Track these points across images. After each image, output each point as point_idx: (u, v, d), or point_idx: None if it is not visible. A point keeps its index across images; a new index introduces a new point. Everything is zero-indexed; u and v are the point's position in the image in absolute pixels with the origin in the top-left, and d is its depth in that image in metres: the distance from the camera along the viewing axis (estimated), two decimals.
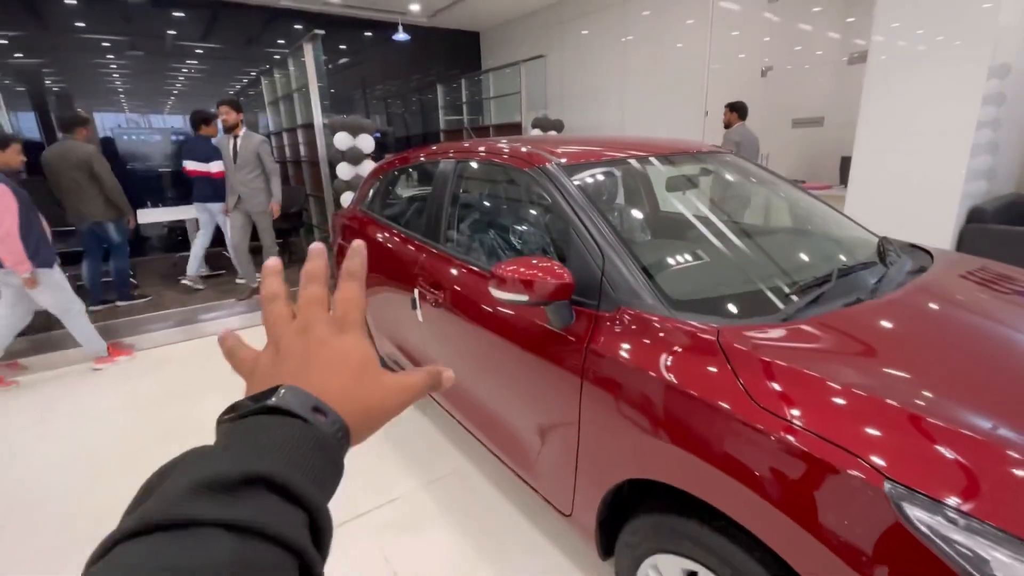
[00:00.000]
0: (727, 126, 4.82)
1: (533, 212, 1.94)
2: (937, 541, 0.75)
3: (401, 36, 7.15)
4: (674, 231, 1.79)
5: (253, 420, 0.31)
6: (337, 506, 1.50)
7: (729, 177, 2.04)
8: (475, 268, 1.84)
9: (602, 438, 1.28)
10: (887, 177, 4.24)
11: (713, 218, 1.67)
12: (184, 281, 4.93)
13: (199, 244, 4.90)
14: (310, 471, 0.30)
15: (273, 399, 0.32)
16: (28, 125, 6.37)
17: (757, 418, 0.95)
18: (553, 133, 6.24)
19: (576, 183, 1.58)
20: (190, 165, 4.69)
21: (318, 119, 5.03)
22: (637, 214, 2.00)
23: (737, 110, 4.77)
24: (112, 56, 6.94)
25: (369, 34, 8.48)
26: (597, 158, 1.75)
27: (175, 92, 7.90)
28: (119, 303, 4.48)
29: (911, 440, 0.86)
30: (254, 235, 4.43)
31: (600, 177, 1.72)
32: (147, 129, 7.61)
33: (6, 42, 6.05)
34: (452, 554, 1.80)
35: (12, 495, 2.22)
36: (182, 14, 7.01)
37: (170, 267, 5.82)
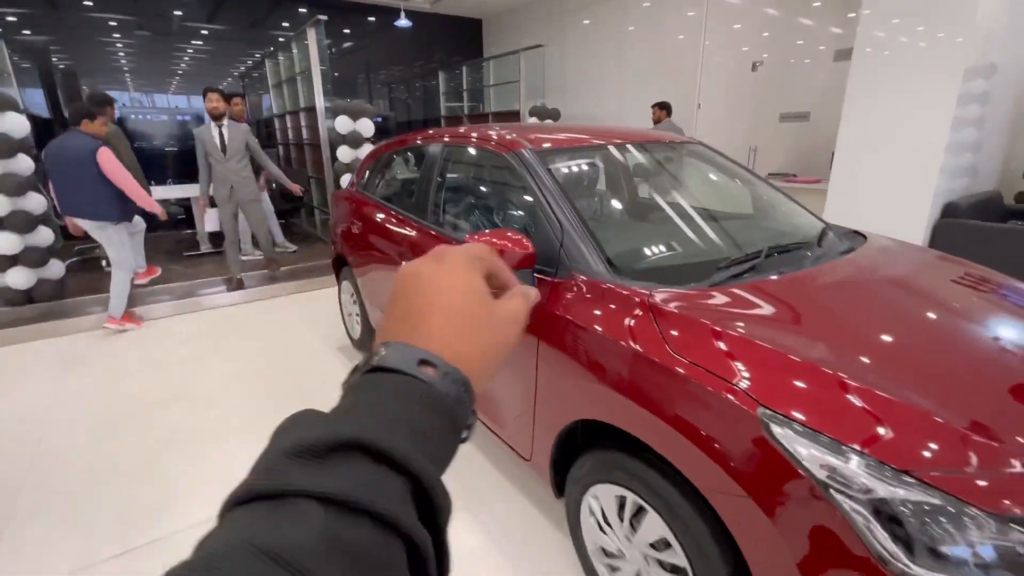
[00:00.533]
0: (656, 122, 5.38)
1: (509, 192, 2.12)
2: (792, 452, 0.95)
3: (403, 22, 7.25)
4: (635, 212, 1.97)
5: (362, 380, 0.30)
6: None
7: (691, 166, 2.22)
8: (456, 241, 2.03)
9: (554, 388, 1.48)
10: (867, 172, 4.39)
11: (667, 201, 1.85)
12: (278, 250, 5.45)
13: (270, 215, 5.37)
14: (417, 433, 0.27)
15: (375, 359, 0.30)
16: (37, 101, 6.52)
17: (669, 361, 1.14)
18: (549, 122, 6.38)
19: (545, 167, 1.76)
20: None
21: (320, 103, 5.18)
22: (600, 195, 2.18)
23: (664, 108, 5.48)
24: (119, 35, 7.06)
25: (372, 19, 8.58)
26: (566, 145, 1.93)
27: (180, 73, 8.03)
28: None
29: (783, 376, 1.05)
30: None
31: (567, 161, 1.90)
32: (152, 109, 7.75)
33: (15, 19, 6.18)
34: None
35: (34, 445, 2.44)
36: None
37: (174, 243, 6.01)
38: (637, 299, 1.32)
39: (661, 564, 1.28)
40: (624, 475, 1.30)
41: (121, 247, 3.63)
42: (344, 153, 5.03)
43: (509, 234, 1.55)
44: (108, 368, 3.24)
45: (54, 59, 6.70)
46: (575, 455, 1.53)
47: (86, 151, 3.33)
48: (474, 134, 2.18)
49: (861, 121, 4.37)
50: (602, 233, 1.59)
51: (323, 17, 4.93)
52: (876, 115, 4.27)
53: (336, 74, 8.52)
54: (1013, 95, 4.76)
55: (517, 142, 1.89)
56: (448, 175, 2.35)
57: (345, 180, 5.03)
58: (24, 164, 3.71)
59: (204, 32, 7.77)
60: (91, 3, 6.55)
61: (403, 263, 0.37)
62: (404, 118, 9.88)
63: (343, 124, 4.97)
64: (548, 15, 7.95)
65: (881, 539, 0.89)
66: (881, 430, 0.96)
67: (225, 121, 4.03)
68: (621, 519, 1.37)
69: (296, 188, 4.69)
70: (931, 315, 1.37)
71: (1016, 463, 0.95)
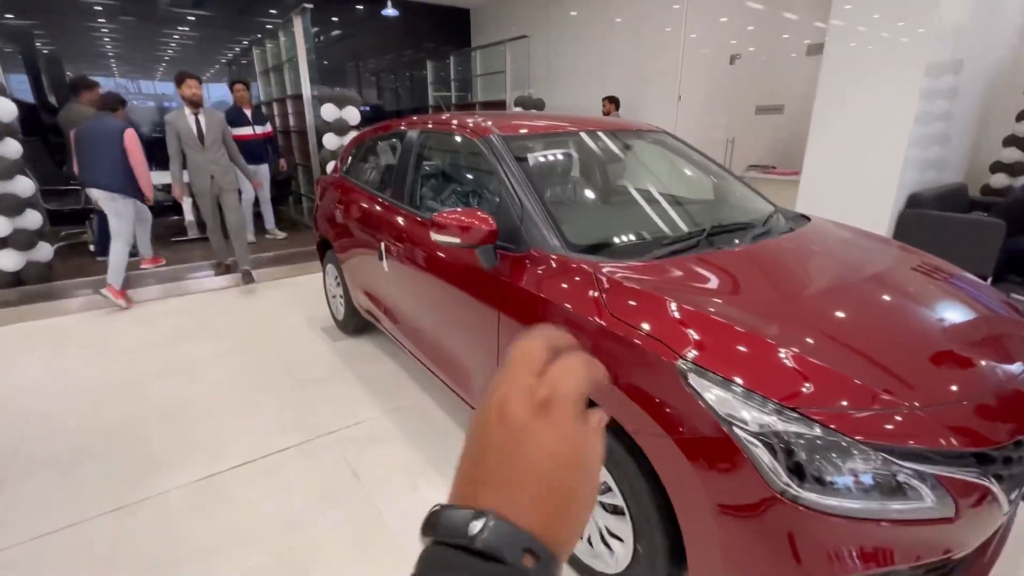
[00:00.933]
0: (605, 115, 5.74)
1: (480, 174, 2.25)
2: (703, 397, 1.09)
3: (389, 11, 7.29)
4: (594, 193, 2.11)
5: (453, 561, 0.26)
6: (310, 425, 1.98)
7: (654, 153, 2.35)
8: (428, 221, 2.15)
9: None
10: (837, 163, 4.55)
11: (626, 184, 1.99)
12: (268, 236, 5.64)
13: (263, 200, 5.56)
14: None
15: (478, 536, 0.25)
16: (21, 87, 6.49)
17: (608, 322, 1.28)
18: (534, 111, 6.48)
19: (510, 151, 1.89)
20: (244, 131, 5.06)
21: (306, 91, 5.24)
22: (562, 177, 2.31)
23: (613, 102, 5.99)
24: (104, 20, 7.03)
25: (361, 7, 8.59)
26: (531, 131, 2.06)
27: (167, 59, 8.02)
28: None
29: (700, 332, 1.20)
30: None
31: (531, 146, 2.03)
32: (139, 95, 7.74)
33: None
34: (404, 461, 2.16)
35: (26, 414, 2.54)
36: None
37: (163, 229, 6.06)
38: (585, 270, 1.46)
39: (603, 506, 1.42)
40: None
41: (127, 220, 3.91)
42: (330, 140, 5.11)
43: (473, 213, 1.68)
44: (98, 346, 3.34)
45: (38, 44, 6.67)
46: None
47: (116, 130, 3.79)
48: (447, 120, 2.30)
49: (831, 115, 4.52)
50: (560, 212, 1.72)
51: (309, 5, 4.98)
52: (845, 109, 4.42)
53: (325, 62, 8.53)
54: (980, 91, 4.94)
55: (487, 128, 2.01)
56: (425, 160, 2.47)
57: (331, 167, 5.12)
58: (12, 148, 3.76)
59: (191, 18, 7.75)
60: None
61: (495, 392, 0.31)
62: (393, 107, 9.92)
63: (329, 112, 5.04)
64: (535, 5, 8.01)
65: (774, 468, 1.04)
66: (780, 376, 1.11)
67: (201, 109, 3.93)
68: None
69: (258, 183, 4.79)
70: (852, 283, 1.52)
71: (903, 409, 1.09)
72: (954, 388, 1.16)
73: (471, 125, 2.11)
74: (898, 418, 1.06)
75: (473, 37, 9.55)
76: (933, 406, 1.09)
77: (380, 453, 2.21)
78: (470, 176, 2.32)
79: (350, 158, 3.19)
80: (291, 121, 6.13)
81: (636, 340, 1.22)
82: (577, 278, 1.46)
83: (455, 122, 2.24)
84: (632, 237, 1.73)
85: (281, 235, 5.71)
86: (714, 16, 6.01)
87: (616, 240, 1.70)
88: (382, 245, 2.43)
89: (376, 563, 1.67)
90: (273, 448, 2.23)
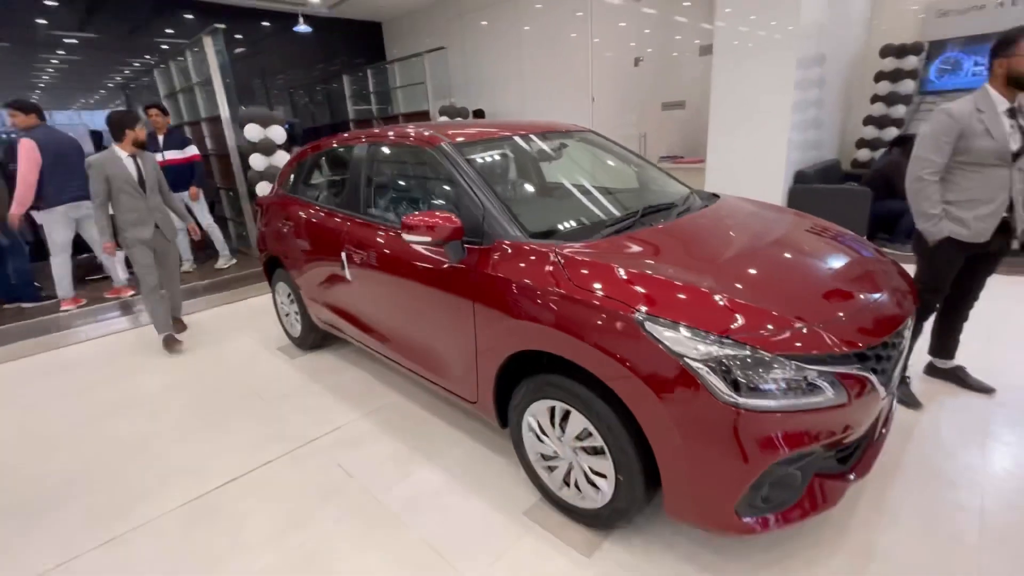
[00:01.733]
0: None
1: (433, 180, 2.43)
2: (660, 340, 1.36)
3: (302, 28, 7.20)
4: (541, 188, 2.36)
5: None
6: (290, 436, 2.16)
7: (585, 150, 2.65)
8: (391, 228, 2.30)
9: (490, 332, 1.82)
10: (734, 150, 5.14)
11: (567, 178, 2.26)
12: (220, 265, 5.40)
13: (213, 229, 5.31)
14: None
15: None
16: None
17: (572, 291, 1.53)
18: (460, 119, 6.69)
19: (463, 156, 2.09)
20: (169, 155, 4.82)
21: (225, 113, 5.11)
22: (511, 176, 2.55)
23: (478, 114, 6.56)
24: None
25: (267, 24, 8.38)
26: (478, 137, 2.28)
27: (44, 86, 7.45)
28: (24, 305, 4.39)
29: (649, 288, 1.47)
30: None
31: (481, 150, 2.25)
32: (5, 128, 7.09)
33: None
34: (392, 453, 2.28)
35: None
36: (55, 1, 6.58)
37: (73, 268, 5.61)
38: (547, 253, 1.69)
39: (585, 450, 1.66)
40: (552, 388, 1.67)
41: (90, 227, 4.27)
42: (257, 161, 5.02)
43: (439, 214, 1.87)
44: (35, 394, 3.13)
45: None
46: (511, 391, 1.88)
47: (77, 142, 4.07)
48: (397, 133, 2.45)
49: (725, 107, 5.10)
50: (516, 207, 1.95)
51: (221, 26, 4.87)
52: (736, 101, 5.01)
53: (226, 80, 8.22)
54: (842, 79, 5.76)
55: (438, 137, 2.20)
56: (379, 171, 2.61)
57: (261, 187, 5.02)
58: None
59: (73, 41, 7.21)
60: None
61: None
62: (310, 124, 9.72)
63: (253, 132, 4.96)
64: (447, 17, 8.23)
65: (719, 385, 1.32)
66: (715, 315, 1.40)
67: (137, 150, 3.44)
68: (553, 425, 1.74)
69: (195, 229, 4.06)
70: (758, 242, 1.87)
71: (807, 328, 1.41)
72: (840, 313, 1.51)
73: (418, 136, 2.29)
74: (805, 334, 1.38)
75: (388, 50, 9.60)
76: (826, 324, 1.43)
77: (366, 451, 2.32)
78: (425, 182, 2.49)
79: (292, 176, 3.24)
80: (208, 144, 5.91)
81: (597, 302, 1.47)
82: (541, 259, 1.69)
83: (402, 134, 2.41)
84: (580, 222, 1.99)
85: (231, 260, 5.44)
86: (613, 21, 6.53)
87: (567, 226, 1.95)
88: (343, 256, 2.54)
89: (386, 542, 1.80)
90: (258, 462, 2.27)
